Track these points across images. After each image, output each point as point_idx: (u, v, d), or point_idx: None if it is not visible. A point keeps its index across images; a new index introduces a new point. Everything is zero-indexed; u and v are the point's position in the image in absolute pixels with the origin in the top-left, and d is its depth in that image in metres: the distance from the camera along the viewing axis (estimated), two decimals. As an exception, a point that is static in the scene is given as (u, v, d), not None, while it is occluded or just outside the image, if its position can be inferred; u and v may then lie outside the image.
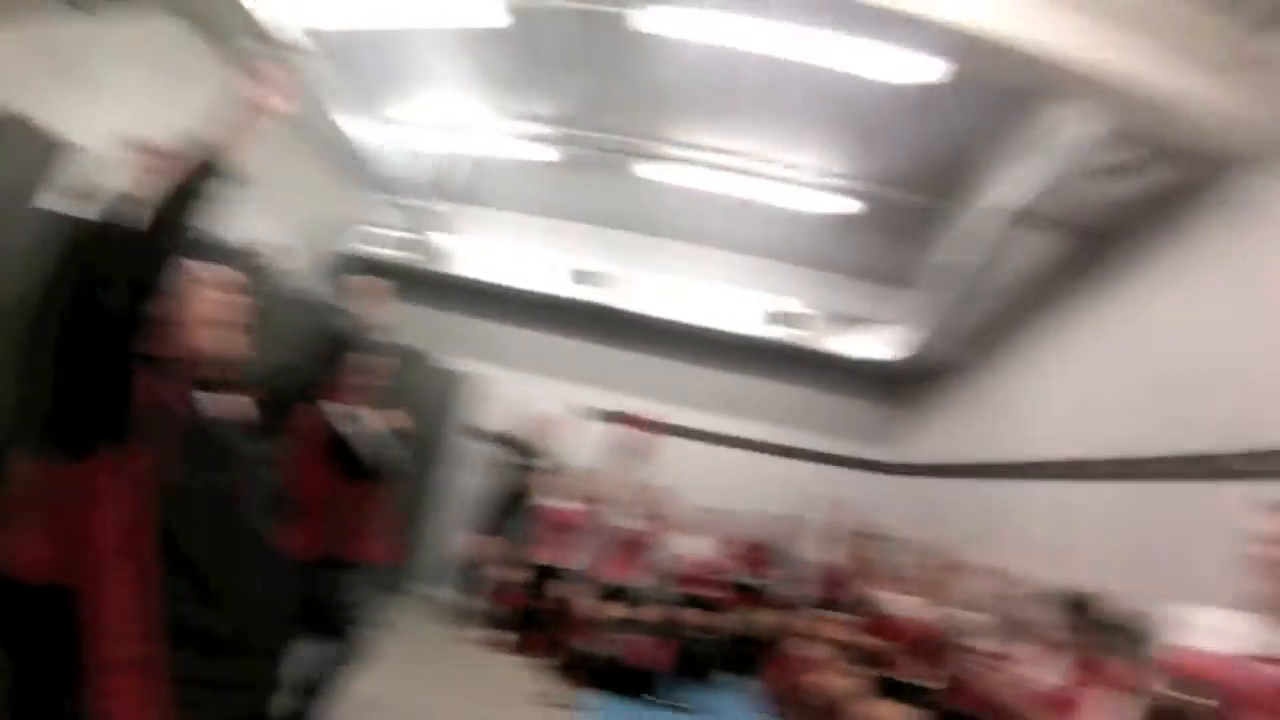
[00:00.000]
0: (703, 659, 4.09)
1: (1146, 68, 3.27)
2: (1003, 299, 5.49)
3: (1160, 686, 2.09)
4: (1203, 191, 3.80)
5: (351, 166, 6.78)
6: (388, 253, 7.18)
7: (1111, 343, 4.46)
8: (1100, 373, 4.52)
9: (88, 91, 4.67)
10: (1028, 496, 5.02)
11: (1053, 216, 4.52)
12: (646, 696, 3.67)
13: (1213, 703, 1.83)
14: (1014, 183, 4.40)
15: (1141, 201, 4.05)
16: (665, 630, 4.70)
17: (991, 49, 3.11)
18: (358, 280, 3.32)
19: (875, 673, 4.59)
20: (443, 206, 6.70)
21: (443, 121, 5.88)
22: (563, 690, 4.55)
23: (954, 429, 6.58)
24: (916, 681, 4.41)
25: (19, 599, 1.71)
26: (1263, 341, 3.20)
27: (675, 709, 3.60)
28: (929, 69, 3.85)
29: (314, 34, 4.63)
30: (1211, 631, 2.29)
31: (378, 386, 3.39)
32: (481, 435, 6.86)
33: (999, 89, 4.22)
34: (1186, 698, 1.91)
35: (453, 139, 6.07)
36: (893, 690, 4.40)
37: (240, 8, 4.30)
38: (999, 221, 4.62)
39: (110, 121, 4.63)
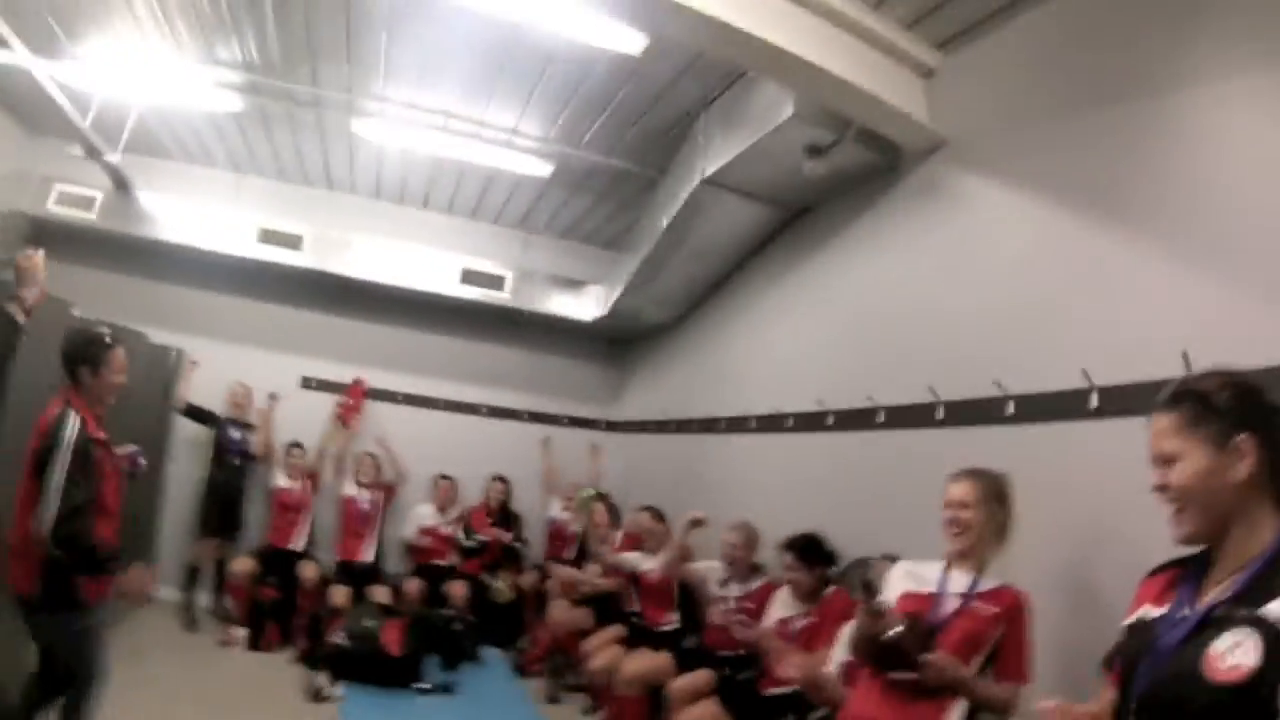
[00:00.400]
0: (454, 635, 3.96)
1: (841, 55, 3.53)
2: (707, 264, 5.80)
3: (862, 615, 2.51)
4: (889, 171, 4.22)
5: (30, 106, 6.03)
6: (71, 212, 6.35)
7: (809, 306, 4.88)
8: (797, 333, 4.96)
9: None
10: (735, 449, 5.42)
11: (752, 188, 4.81)
12: (411, 684, 3.49)
13: (900, 627, 2.39)
14: (715, 153, 4.62)
15: (836, 177, 4.37)
16: (409, 610, 4.53)
17: (692, 21, 3.17)
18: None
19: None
20: (125, 160, 5.88)
21: (123, 64, 5.15)
22: (320, 683, 4.30)
23: (665, 388, 6.91)
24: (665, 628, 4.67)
25: None
26: (939, 301, 3.65)
27: (433, 691, 3.45)
28: (632, 38, 3.99)
29: None
30: (907, 575, 2.73)
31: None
32: (192, 414, 6.36)
33: (701, 61, 4.37)
34: (884, 624, 2.40)
35: (135, 84, 5.34)
36: (644, 638, 4.68)
37: None
38: (700, 189, 4.82)
39: None
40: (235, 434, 6.41)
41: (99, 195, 6.33)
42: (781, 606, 3.99)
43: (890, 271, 4.11)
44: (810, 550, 3.77)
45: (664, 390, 6.92)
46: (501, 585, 6.34)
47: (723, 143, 4.55)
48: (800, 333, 4.91)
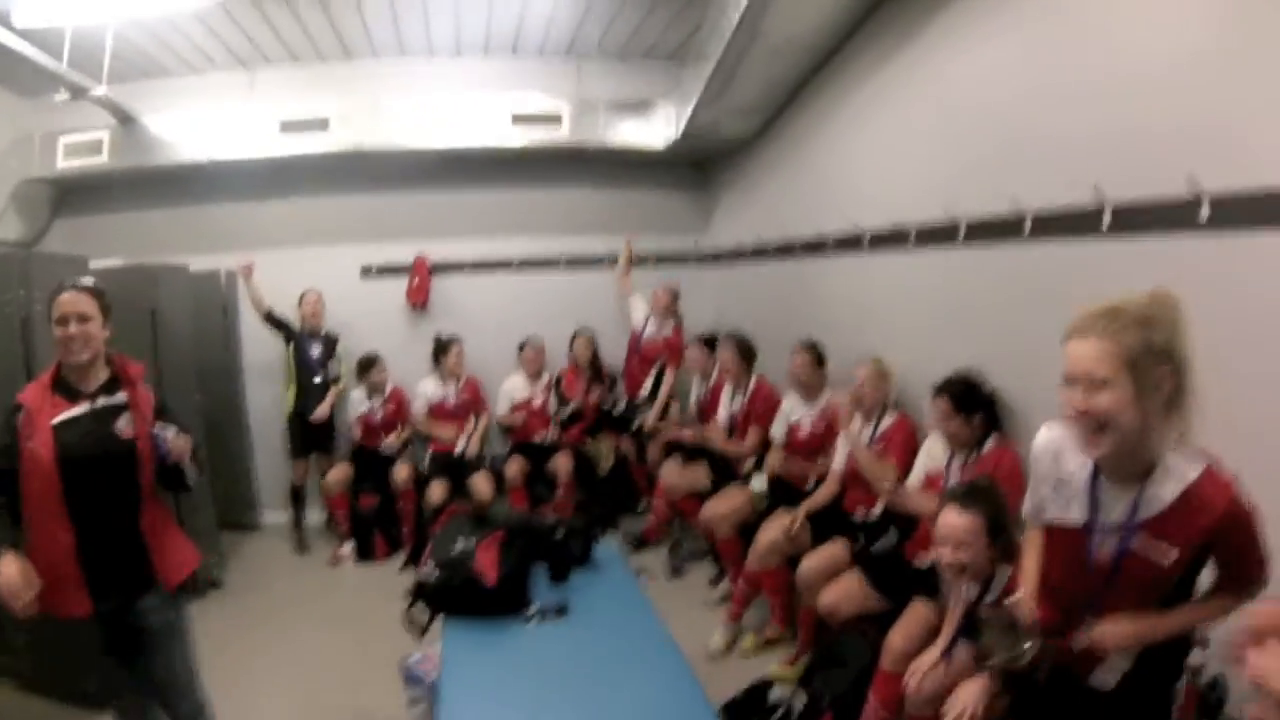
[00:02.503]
0: (559, 544, 3.59)
1: None
2: (788, 61, 4.81)
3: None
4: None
5: (6, 79, 5.64)
6: (83, 161, 5.98)
7: (924, 95, 3.89)
8: (912, 130, 4.01)
9: None
10: (846, 272, 4.69)
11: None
12: (517, 611, 3.15)
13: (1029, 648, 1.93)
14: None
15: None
16: (503, 522, 4.14)
17: None
18: None
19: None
20: (118, 90, 5.39)
21: None
22: (420, 619, 4.11)
23: (758, 209, 6.07)
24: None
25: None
26: (1104, 71, 2.70)
27: (542, 615, 3.11)
28: None
29: None
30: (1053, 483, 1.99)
31: None
32: (273, 322, 6.05)
33: None
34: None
35: (109, 3, 4.60)
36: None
37: None
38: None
39: None
40: (314, 349, 6.06)
41: (104, 135, 5.90)
42: (930, 458, 3.45)
43: (1034, 38, 3.07)
44: (969, 395, 3.15)
45: (757, 212, 6.06)
46: (601, 450, 5.99)
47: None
48: (916, 128, 3.94)
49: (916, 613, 2.99)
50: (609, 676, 2.69)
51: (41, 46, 4.54)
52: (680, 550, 5.25)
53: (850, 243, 4.55)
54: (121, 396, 2.55)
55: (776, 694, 3.47)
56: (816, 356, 4.39)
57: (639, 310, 6.31)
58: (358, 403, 6.06)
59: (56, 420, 2.44)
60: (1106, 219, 2.57)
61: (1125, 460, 1.73)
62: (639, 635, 3.03)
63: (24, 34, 4.43)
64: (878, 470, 3.58)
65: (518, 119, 6.14)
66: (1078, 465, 1.85)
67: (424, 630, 3.35)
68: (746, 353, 4.98)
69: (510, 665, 2.85)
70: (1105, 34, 2.63)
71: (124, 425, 2.51)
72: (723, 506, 4.54)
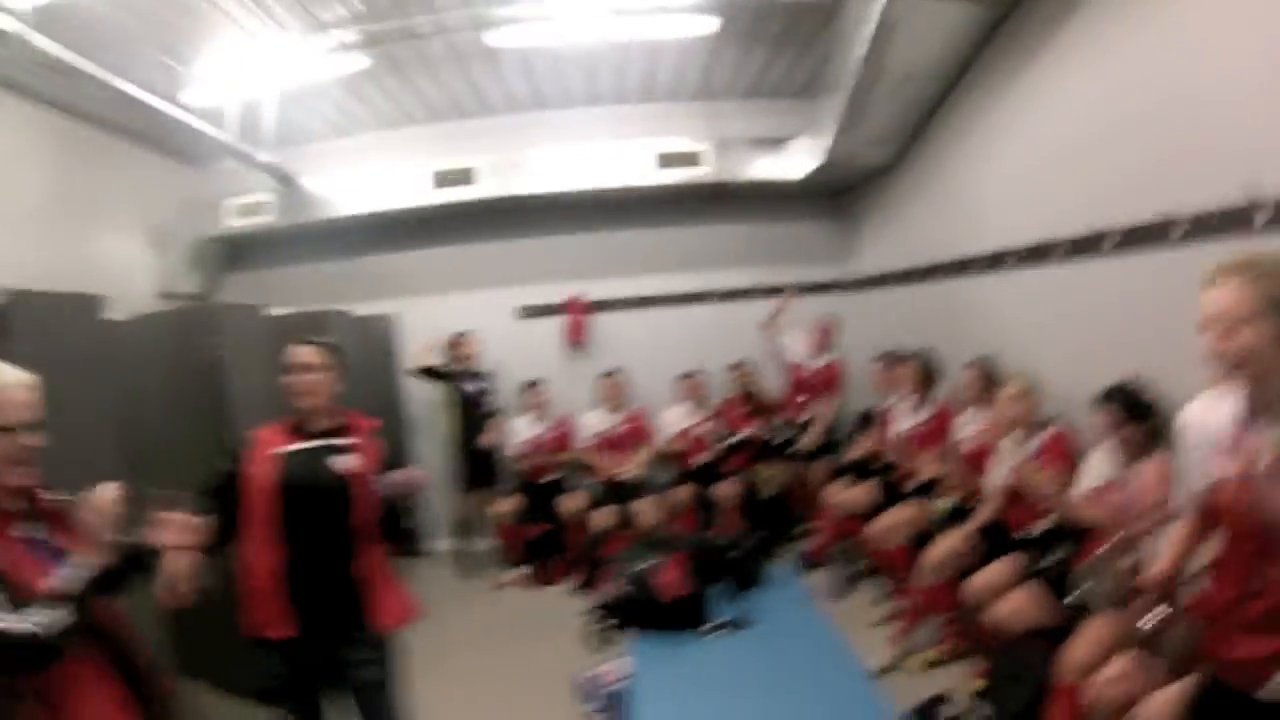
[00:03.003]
0: (736, 562, 3.71)
1: None
2: (918, 87, 4.91)
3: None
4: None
5: (180, 143, 6.28)
6: (249, 221, 6.63)
7: (1058, 106, 3.90)
8: (1050, 143, 4.01)
9: None
10: (993, 289, 4.67)
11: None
12: (699, 625, 3.29)
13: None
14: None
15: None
16: (684, 542, 4.31)
17: None
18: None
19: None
20: (284, 154, 6.02)
21: (246, 63, 5.10)
22: (606, 632, 4.30)
23: (901, 234, 6.12)
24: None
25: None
26: (1213, 90, 2.71)
27: (723, 629, 3.24)
28: None
29: (59, 13, 3.85)
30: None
31: None
32: (428, 374, 6.36)
33: None
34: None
35: (264, 78, 5.29)
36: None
37: None
38: (886, 5, 4.02)
39: None
40: (471, 386, 6.35)
41: (269, 197, 6.49)
42: (1095, 470, 3.41)
43: (1154, 45, 3.11)
44: (1135, 402, 3.13)
45: (901, 237, 6.09)
46: (766, 477, 6.08)
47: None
48: (1051, 142, 3.95)
49: (1094, 625, 2.97)
50: (790, 685, 2.77)
51: (210, 121, 5.18)
52: (845, 571, 5.27)
53: (995, 261, 4.54)
54: (347, 441, 2.70)
55: (953, 708, 3.48)
56: (985, 373, 4.38)
57: (795, 344, 6.38)
58: (522, 429, 6.35)
59: (281, 450, 2.63)
60: (1261, 217, 2.55)
61: (1268, 400, 1.74)
62: (817, 647, 3.11)
63: (194, 111, 5.06)
64: (1038, 480, 3.56)
65: (664, 159, 6.35)
66: (1226, 418, 1.85)
67: (606, 644, 3.51)
68: (928, 371, 4.97)
69: (696, 675, 2.96)
70: (1236, 33, 2.64)
71: (341, 462, 2.65)
72: (891, 519, 4.53)
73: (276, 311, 4.81)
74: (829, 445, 6.06)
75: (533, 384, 6.41)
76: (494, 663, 4.61)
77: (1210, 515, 1.96)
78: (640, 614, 3.43)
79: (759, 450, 6.27)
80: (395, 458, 2.80)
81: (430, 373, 6.30)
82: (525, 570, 6.04)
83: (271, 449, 2.64)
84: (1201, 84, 2.84)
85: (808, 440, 6.07)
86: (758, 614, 3.40)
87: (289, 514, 2.57)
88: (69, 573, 1.84)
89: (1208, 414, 1.92)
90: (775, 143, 6.35)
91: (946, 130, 5.15)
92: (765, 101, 6.64)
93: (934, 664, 4.03)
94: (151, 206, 6.38)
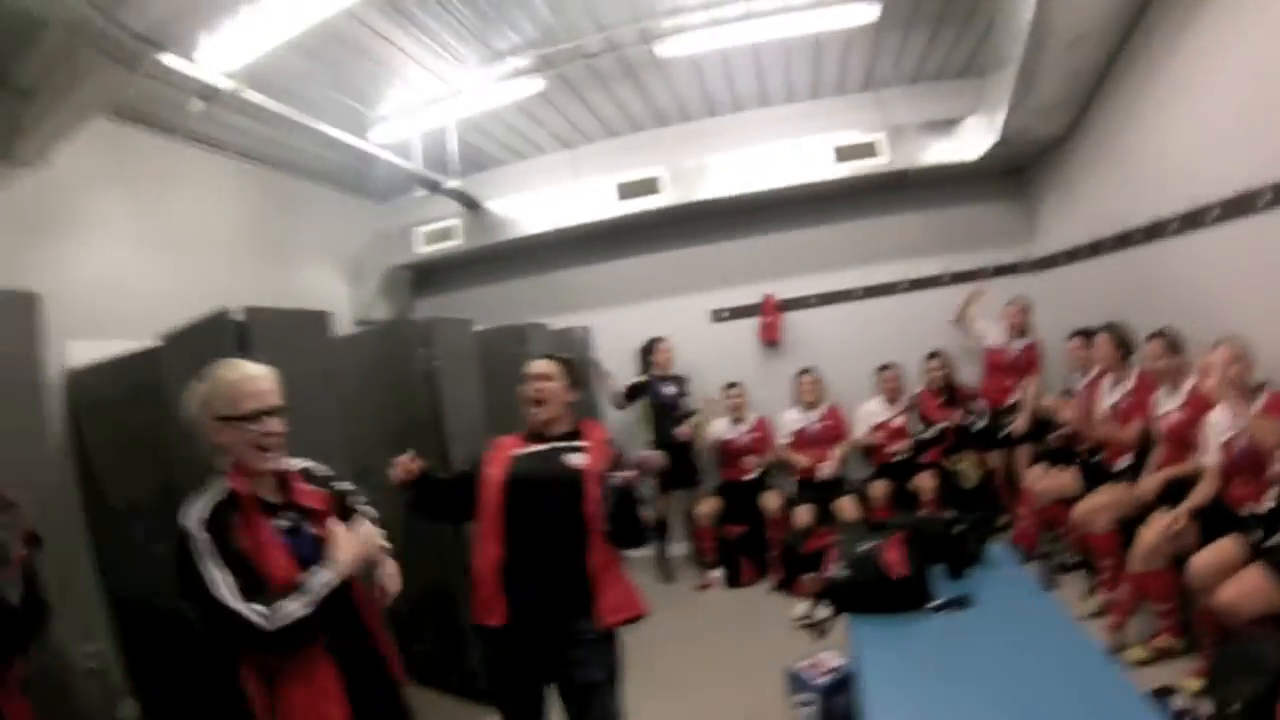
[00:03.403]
0: (957, 540, 3.64)
1: None
2: (1087, 49, 4.67)
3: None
4: None
5: (366, 180, 6.87)
6: (437, 247, 7.10)
7: (1227, 65, 3.68)
8: (1241, 80, 3.72)
9: (69, 233, 4.62)
10: (1191, 250, 4.37)
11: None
12: (923, 605, 3.27)
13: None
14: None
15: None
16: (905, 521, 4.30)
17: None
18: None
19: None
20: (468, 180, 6.47)
21: (427, 98, 5.58)
22: (820, 618, 4.34)
23: (1084, 205, 5.79)
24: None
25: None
26: None
27: (946, 607, 3.18)
28: None
29: (254, 70, 4.30)
30: None
31: None
32: (632, 396, 6.65)
33: None
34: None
35: (444, 110, 5.72)
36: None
37: (167, 79, 3.99)
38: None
39: (106, 251, 4.74)
40: (667, 390, 6.56)
41: (456, 222, 6.91)
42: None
43: None
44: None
45: (1083, 209, 5.78)
46: (966, 468, 5.88)
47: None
48: (1241, 88, 3.69)
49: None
50: (1026, 664, 2.66)
51: (397, 155, 5.68)
52: (1051, 562, 5.00)
53: (1191, 220, 4.27)
54: (580, 444, 2.83)
55: (1179, 702, 3.25)
56: (1169, 343, 4.11)
57: (990, 331, 6.20)
58: (720, 430, 6.46)
59: (516, 452, 2.81)
60: None
61: None
62: (1046, 625, 2.99)
63: (383, 146, 5.57)
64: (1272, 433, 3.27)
65: (840, 153, 6.32)
66: None
67: (824, 630, 3.51)
68: (1123, 343, 4.69)
69: (924, 654, 2.90)
70: None
71: (574, 459, 2.76)
72: (1097, 501, 4.29)
73: (479, 327, 5.09)
74: (1038, 429, 5.79)
75: (731, 385, 6.51)
76: (701, 661, 4.72)
77: None
78: (862, 596, 3.41)
79: (957, 441, 6.11)
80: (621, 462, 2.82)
81: (631, 394, 6.57)
82: (723, 571, 6.12)
83: (508, 451, 2.82)
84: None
85: (1018, 424, 5.87)
86: (981, 593, 3.30)
87: (517, 508, 2.69)
88: (315, 576, 1.97)
89: None
90: (947, 125, 6.19)
91: (1123, 90, 4.87)
92: (932, 84, 6.52)
93: (1147, 661, 3.77)
94: (344, 241, 7.03)
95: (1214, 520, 3.56)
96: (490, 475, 2.75)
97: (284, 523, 2.10)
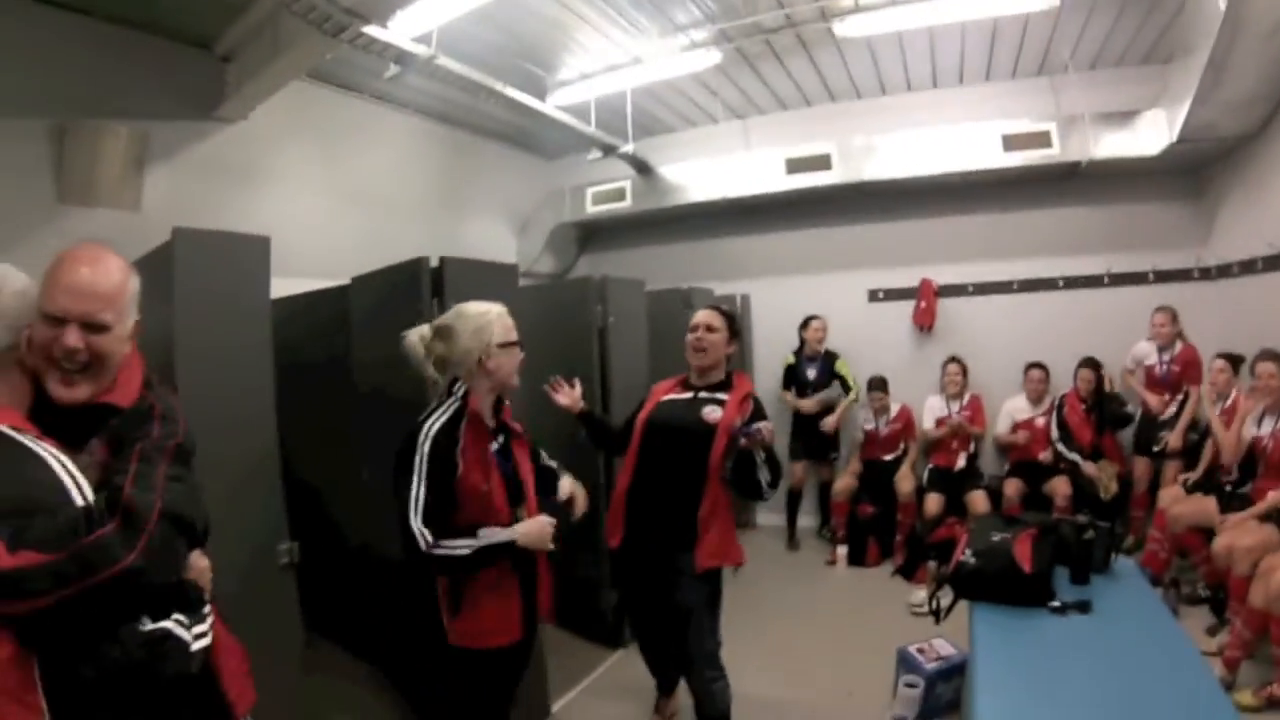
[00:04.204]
0: (1087, 545, 3.61)
1: None
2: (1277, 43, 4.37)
3: None
4: None
5: (541, 140, 7.31)
6: (608, 207, 7.39)
7: None
8: None
9: (265, 184, 5.24)
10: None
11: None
12: (1044, 602, 3.28)
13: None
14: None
15: None
16: (1038, 520, 4.27)
17: None
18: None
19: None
20: (641, 145, 6.72)
21: (605, 65, 5.85)
22: (943, 602, 4.38)
23: (1268, 212, 5.40)
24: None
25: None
26: None
27: (1067, 609, 3.18)
28: None
29: (443, 36, 4.67)
30: None
31: None
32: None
33: None
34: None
35: (621, 78, 5.93)
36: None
37: (364, 46, 4.37)
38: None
39: (298, 201, 5.23)
40: (810, 370, 6.70)
41: (626, 184, 7.17)
42: None
43: None
44: None
45: (1266, 216, 5.39)
46: (1105, 477, 5.66)
47: None
48: None
49: None
50: (1134, 679, 2.65)
51: (575, 116, 5.98)
52: (1178, 590, 4.77)
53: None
54: (723, 396, 3.18)
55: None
56: None
57: (1141, 349, 5.99)
58: (864, 420, 6.53)
59: (665, 398, 3.26)
60: None
61: None
62: (1164, 646, 2.94)
63: (563, 108, 5.90)
64: None
65: (1008, 141, 6.19)
66: None
67: (943, 615, 3.56)
68: None
69: (1037, 651, 2.92)
70: None
71: (710, 412, 3.11)
72: (1247, 539, 4.05)
73: (650, 288, 5.34)
74: (1192, 447, 5.54)
75: (877, 384, 6.51)
76: (813, 632, 4.88)
77: None
78: (987, 585, 3.43)
79: (1096, 449, 5.89)
80: (759, 414, 3.17)
81: (786, 382, 6.80)
82: (850, 548, 6.21)
83: (659, 396, 3.30)
84: None
85: (1172, 439, 5.63)
86: (1102, 602, 3.27)
87: (650, 447, 3.15)
88: (495, 533, 2.30)
89: None
90: (1125, 117, 5.91)
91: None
92: (1111, 71, 6.24)
93: (1255, 708, 3.61)
94: (516, 197, 7.42)
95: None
96: (640, 416, 3.22)
97: (496, 445, 2.48)
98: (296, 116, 5.43)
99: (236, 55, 4.83)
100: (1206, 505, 4.61)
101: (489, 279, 3.67)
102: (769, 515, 7.12)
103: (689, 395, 3.21)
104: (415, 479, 2.22)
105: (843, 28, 5.24)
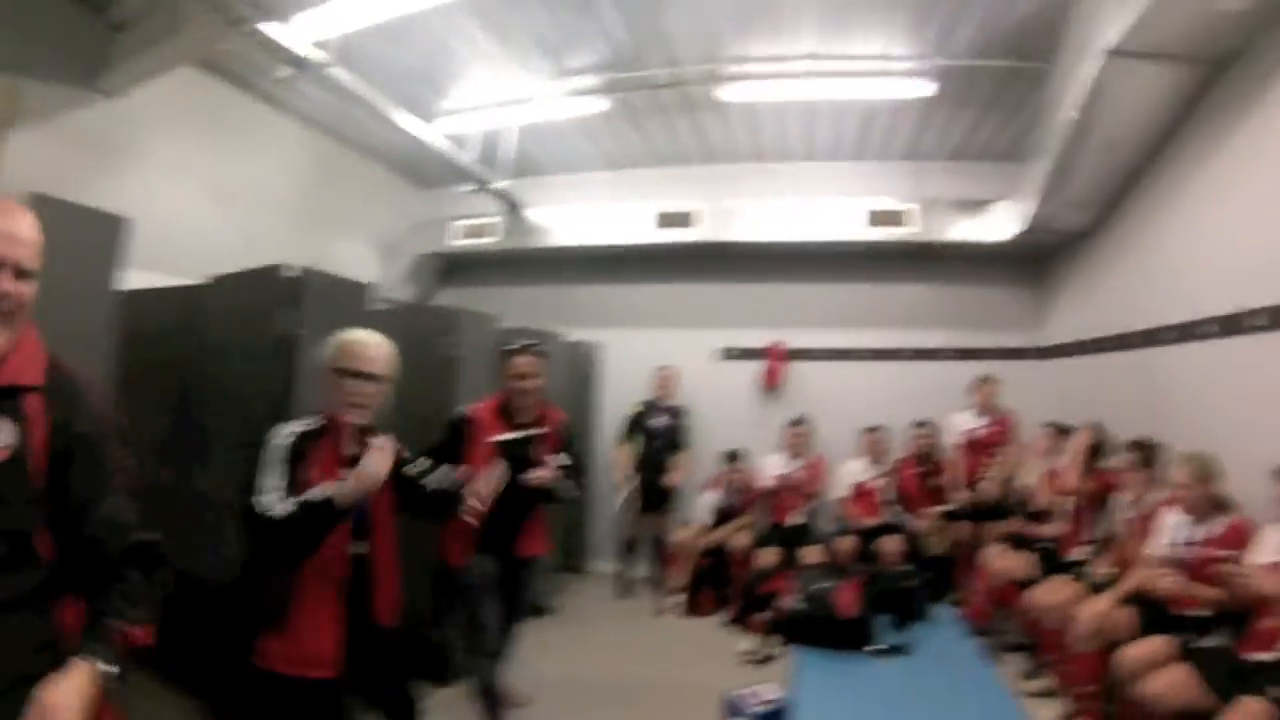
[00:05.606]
0: (907, 593, 3.78)
1: None
2: (1122, 151, 4.87)
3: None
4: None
5: (417, 167, 7.11)
6: (473, 242, 7.33)
7: (1259, 177, 3.85)
8: (1249, 210, 3.93)
9: (136, 167, 4.86)
10: (1186, 361, 4.52)
11: (1163, 47, 3.91)
12: (864, 646, 3.41)
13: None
14: (1111, 18, 3.83)
15: (1263, 5, 3.46)
16: (862, 570, 4.47)
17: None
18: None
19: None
20: (514, 183, 6.67)
21: (493, 99, 5.84)
22: (766, 645, 4.45)
23: (1094, 302, 5.98)
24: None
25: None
26: None
27: (886, 652, 3.32)
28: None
29: (341, 46, 4.57)
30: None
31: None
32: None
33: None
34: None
35: (507, 114, 5.98)
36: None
37: (261, 42, 4.20)
38: (1104, 65, 4.03)
39: (167, 191, 4.99)
40: (658, 421, 6.71)
41: (495, 220, 7.16)
42: (1277, 542, 3.23)
43: None
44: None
45: (1093, 305, 5.96)
46: (933, 535, 5.98)
47: (1118, 3, 3.74)
48: (1252, 209, 3.88)
49: (1246, 709, 2.84)
50: (948, 712, 2.80)
51: (454, 146, 5.89)
52: (998, 638, 5.11)
53: (1185, 331, 4.47)
54: (544, 430, 3.63)
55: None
56: (1144, 456, 4.24)
57: (965, 417, 6.32)
58: (715, 501, 6.51)
59: (504, 438, 3.52)
60: None
61: None
62: (973, 684, 3.13)
63: (441, 137, 5.77)
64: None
65: (875, 217, 6.55)
66: None
67: (769, 658, 3.68)
68: (1097, 444, 4.85)
69: (856, 692, 3.06)
70: None
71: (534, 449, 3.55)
72: (1052, 596, 4.40)
73: (503, 325, 5.34)
74: (1001, 507, 5.87)
75: (732, 457, 6.60)
76: (645, 678, 4.82)
77: None
78: (811, 630, 3.57)
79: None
80: (580, 467, 3.70)
81: (631, 427, 6.76)
82: (683, 598, 6.21)
83: (488, 434, 3.53)
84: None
85: (984, 492, 5.94)
86: (921, 645, 3.45)
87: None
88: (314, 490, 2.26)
89: None
90: (978, 205, 6.42)
91: (1149, 196, 5.07)
92: (971, 164, 6.73)
93: None
94: (387, 221, 7.26)
95: (1152, 617, 3.68)
96: (482, 451, 3.44)
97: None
98: (180, 103, 5.16)
99: (130, 27, 4.51)
100: (1021, 561, 4.97)
101: (342, 295, 3.67)
102: (602, 562, 7.12)
103: (520, 434, 3.58)
104: (264, 471, 2.25)
105: (726, 93, 5.47)
